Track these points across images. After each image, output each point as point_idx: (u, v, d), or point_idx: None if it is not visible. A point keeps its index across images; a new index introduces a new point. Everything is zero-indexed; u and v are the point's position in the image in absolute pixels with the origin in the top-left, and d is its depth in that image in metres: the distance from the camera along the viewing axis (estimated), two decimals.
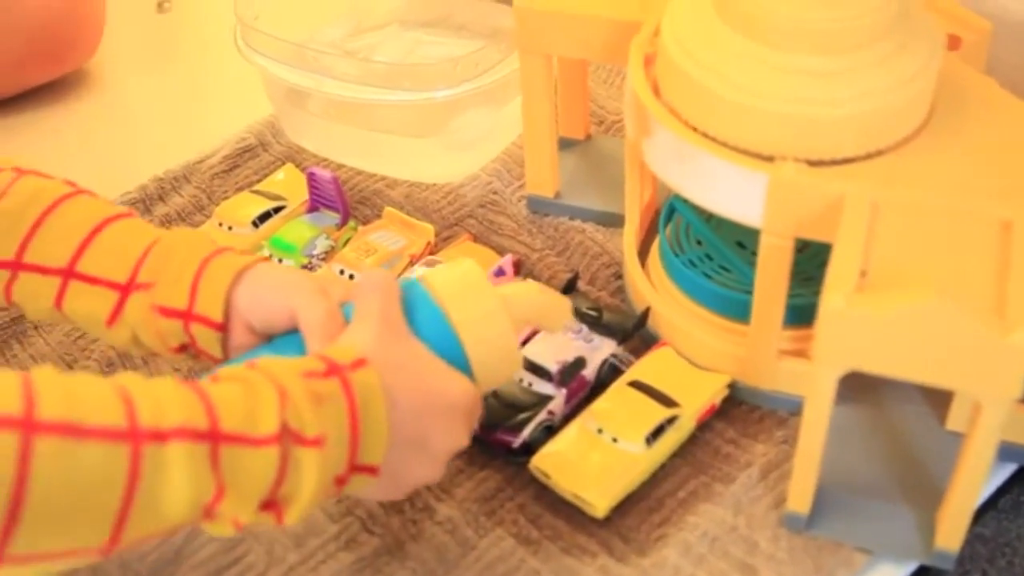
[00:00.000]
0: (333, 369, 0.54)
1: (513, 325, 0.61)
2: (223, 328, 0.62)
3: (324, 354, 0.56)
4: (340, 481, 0.55)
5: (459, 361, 0.59)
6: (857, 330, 0.56)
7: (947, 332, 0.54)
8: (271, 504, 0.52)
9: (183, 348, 0.64)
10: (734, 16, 0.66)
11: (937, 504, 0.65)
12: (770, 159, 0.65)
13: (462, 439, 0.59)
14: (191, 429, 0.48)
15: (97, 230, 0.64)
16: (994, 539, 0.74)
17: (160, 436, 0.48)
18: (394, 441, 0.56)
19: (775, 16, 0.64)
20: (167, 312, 0.62)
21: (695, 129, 0.68)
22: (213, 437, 0.49)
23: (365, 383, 0.54)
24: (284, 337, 0.61)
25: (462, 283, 0.61)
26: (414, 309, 0.59)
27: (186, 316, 0.62)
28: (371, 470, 0.55)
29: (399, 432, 0.56)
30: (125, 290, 0.63)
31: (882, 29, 0.65)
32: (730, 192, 0.67)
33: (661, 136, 0.70)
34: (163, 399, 0.49)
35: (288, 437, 0.51)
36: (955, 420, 0.70)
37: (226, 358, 0.63)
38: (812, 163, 0.64)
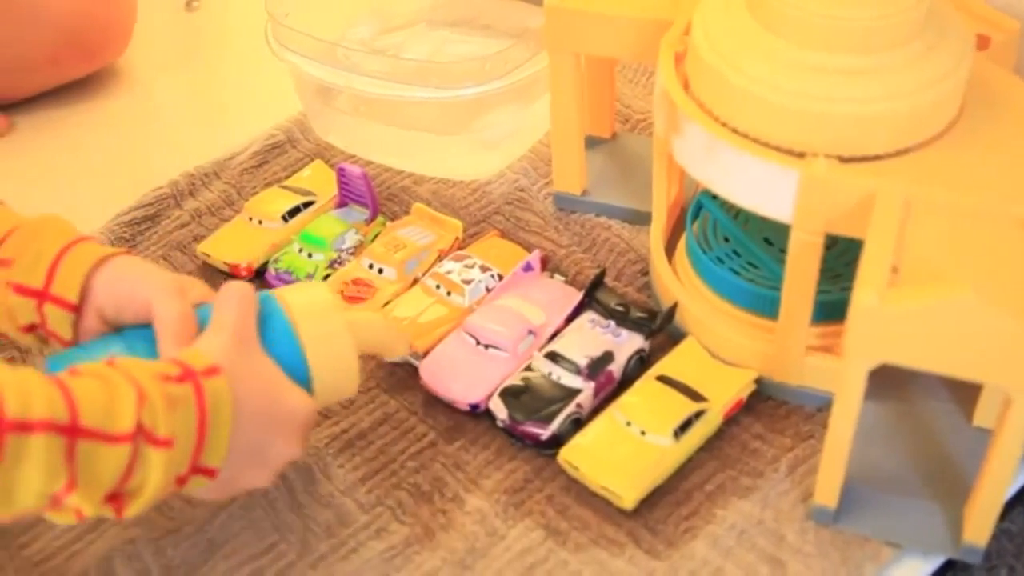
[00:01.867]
0: (188, 375, 0.57)
1: (356, 348, 0.65)
2: (77, 310, 0.63)
3: (179, 359, 0.58)
4: (181, 481, 0.57)
5: (301, 375, 0.63)
6: (889, 325, 0.57)
7: (979, 327, 0.55)
8: (115, 497, 0.55)
9: (32, 328, 0.65)
10: (766, 14, 0.67)
11: (964, 499, 0.66)
12: (801, 155, 0.65)
13: (296, 451, 0.63)
14: (54, 422, 0.51)
15: None
16: (1021, 534, 0.74)
17: (25, 427, 0.50)
18: (234, 447, 0.58)
19: (807, 14, 0.65)
20: (22, 290, 0.63)
21: (725, 125, 0.68)
22: (72, 432, 0.51)
23: (216, 390, 0.57)
24: (135, 330, 0.63)
25: (314, 304, 0.65)
26: (268, 323, 0.63)
27: (41, 296, 0.63)
28: (210, 472, 0.58)
29: (240, 439, 0.59)
30: None
31: (913, 28, 0.65)
32: (761, 188, 0.68)
33: (691, 132, 0.71)
34: (29, 390, 0.51)
35: (141, 436, 0.54)
36: (982, 416, 0.70)
37: (75, 341, 0.64)
38: (843, 160, 0.65)
